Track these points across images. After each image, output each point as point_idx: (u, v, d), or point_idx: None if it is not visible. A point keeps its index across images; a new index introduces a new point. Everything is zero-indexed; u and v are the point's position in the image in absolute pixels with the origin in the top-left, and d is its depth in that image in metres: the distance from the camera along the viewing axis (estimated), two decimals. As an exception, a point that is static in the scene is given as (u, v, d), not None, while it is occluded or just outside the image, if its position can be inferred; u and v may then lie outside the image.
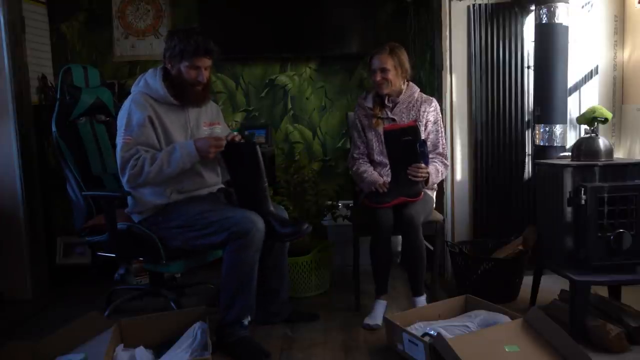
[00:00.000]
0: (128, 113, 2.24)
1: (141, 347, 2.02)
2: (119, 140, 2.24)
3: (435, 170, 2.57)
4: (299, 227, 2.25)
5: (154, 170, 2.19)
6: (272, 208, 2.31)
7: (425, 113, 2.64)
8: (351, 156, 2.74)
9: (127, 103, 2.28)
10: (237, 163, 2.32)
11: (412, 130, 2.40)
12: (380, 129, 2.59)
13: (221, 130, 2.49)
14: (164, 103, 2.29)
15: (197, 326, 2.08)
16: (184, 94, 2.30)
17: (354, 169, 2.69)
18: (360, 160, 2.69)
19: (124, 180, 2.24)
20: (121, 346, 2.03)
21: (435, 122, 2.66)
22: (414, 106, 2.65)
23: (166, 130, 2.27)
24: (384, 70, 2.56)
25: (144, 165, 2.18)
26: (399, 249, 3.16)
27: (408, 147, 2.40)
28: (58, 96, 2.53)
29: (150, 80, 2.30)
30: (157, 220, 2.29)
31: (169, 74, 2.31)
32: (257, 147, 2.29)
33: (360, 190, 2.74)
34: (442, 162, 2.64)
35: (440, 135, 2.67)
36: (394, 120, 2.62)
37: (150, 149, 2.23)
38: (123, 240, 2.34)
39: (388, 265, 2.50)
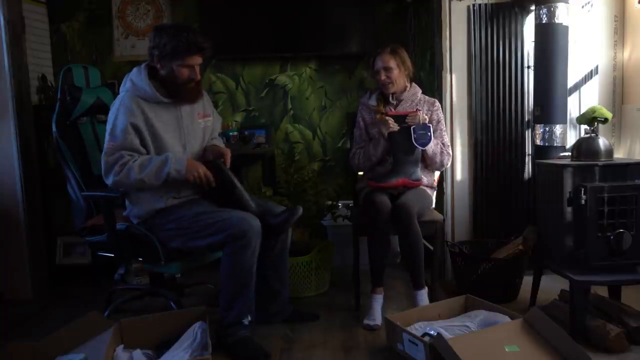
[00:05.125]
0: (115, 117, 2.20)
1: (141, 348, 2.01)
2: (104, 145, 2.21)
3: (434, 142, 2.59)
4: (289, 213, 2.27)
5: (139, 179, 2.16)
6: (254, 206, 2.28)
7: (430, 112, 2.67)
8: (353, 152, 2.74)
9: (115, 105, 2.24)
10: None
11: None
12: (384, 124, 2.59)
13: (212, 122, 2.48)
14: (154, 102, 2.24)
15: (197, 326, 2.08)
16: (178, 93, 2.26)
17: (357, 157, 2.69)
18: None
19: (108, 182, 2.21)
20: (121, 346, 2.02)
21: (438, 122, 2.69)
22: (417, 105, 2.67)
23: (155, 132, 2.23)
24: (387, 70, 2.59)
25: (129, 174, 2.15)
26: (399, 249, 3.15)
27: (405, 131, 2.50)
28: (58, 96, 2.52)
29: (137, 80, 2.24)
30: (154, 222, 2.28)
31: (156, 72, 2.26)
32: (221, 163, 2.29)
33: (360, 189, 2.75)
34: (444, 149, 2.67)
35: (443, 133, 2.69)
36: None
37: (135, 153, 2.19)
38: (122, 241, 2.34)
39: (384, 255, 2.50)
